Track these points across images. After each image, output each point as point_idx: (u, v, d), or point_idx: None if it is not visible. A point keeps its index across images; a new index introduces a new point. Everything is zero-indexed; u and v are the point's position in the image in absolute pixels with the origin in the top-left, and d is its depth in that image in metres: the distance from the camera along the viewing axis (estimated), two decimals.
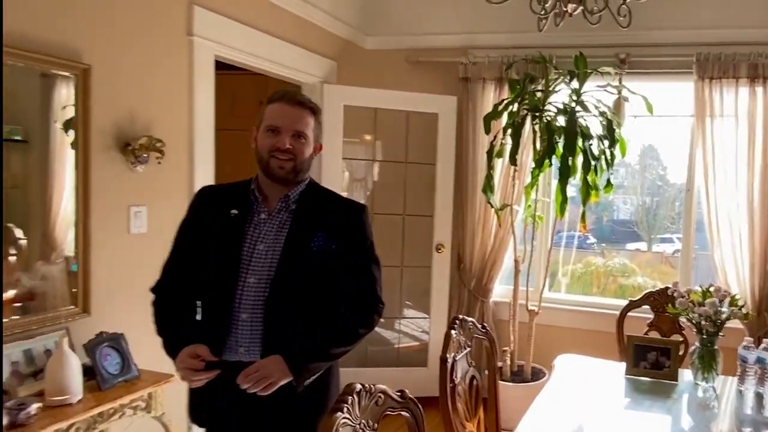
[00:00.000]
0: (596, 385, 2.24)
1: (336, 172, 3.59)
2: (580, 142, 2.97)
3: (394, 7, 3.83)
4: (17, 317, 1.97)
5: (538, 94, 3.28)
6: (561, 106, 3.18)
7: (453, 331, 1.86)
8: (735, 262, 3.25)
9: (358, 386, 1.21)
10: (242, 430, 1.56)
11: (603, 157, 3.03)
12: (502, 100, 3.30)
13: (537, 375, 3.39)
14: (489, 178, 3.27)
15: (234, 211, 1.57)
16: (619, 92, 3.26)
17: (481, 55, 3.63)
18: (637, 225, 4.39)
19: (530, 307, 3.36)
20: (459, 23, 3.72)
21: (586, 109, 3.10)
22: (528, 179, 3.35)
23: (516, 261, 3.41)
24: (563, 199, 3.02)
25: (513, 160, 3.11)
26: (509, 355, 3.39)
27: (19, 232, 2.01)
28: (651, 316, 2.67)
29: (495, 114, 3.21)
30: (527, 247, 3.38)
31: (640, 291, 3.52)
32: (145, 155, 2.34)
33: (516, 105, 3.21)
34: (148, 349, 2.31)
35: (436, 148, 3.63)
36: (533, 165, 3.18)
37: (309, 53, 3.44)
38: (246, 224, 1.56)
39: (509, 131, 3.22)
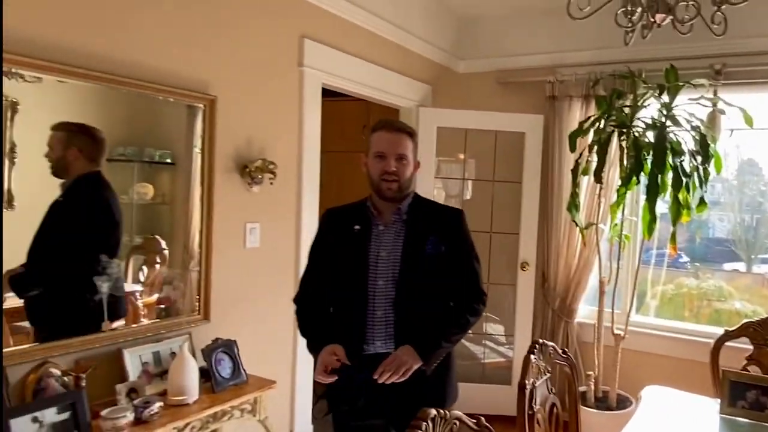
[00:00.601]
0: (687, 423, 2.02)
1: (428, 190, 3.56)
2: (669, 159, 2.73)
3: (483, 30, 3.76)
4: (157, 320, 2.11)
5: (626, 110, 3.08)
6: (649, 122, 2.96)
7: (532, 356, 1.71)
8: None
9: (433, 412, 1.16)
10: (378, 413, 1.68)
11: (696, 173, 2.77)
12: (588, 117, 3.13)
13: (623, 403, 3.13)
14: (574, 196, 3.10)
15: (357, 227, 1.75)
16: (714, 105, 2.98)
17: (568, 73, 3.48)
18: (735, 244, 3.99)
19: (616, 331, 3.13)
20: (546, 43, 3.59)
21: (677, 123, 2.84)
22: (614, 197, 3.14)
23: (601, 282, 3.21)
24: (651, 219, 2.78)
25: (598, 178, 2.92)
26: (593, 380, 3.17)
27: (163, 243, 2.17)
28: (750, 347, 2.35)
29: (580, 131, 3.04)
30: (613, 268, 3.16)
31: (738, 317, 3.18)
32: (259, 176, 2.43)
33: (602, 122, 3.03)
34: (255, 356, 2.41)
35: (523, 167, 3.50)
36: (620, 183, 2.98)
37: (407, 79, 3.44)
38: (368, 236, 1.74)
39: (595, 148, 3.06)
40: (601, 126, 3.02)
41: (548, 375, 1.82)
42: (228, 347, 2.16)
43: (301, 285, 1.88)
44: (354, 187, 4.03)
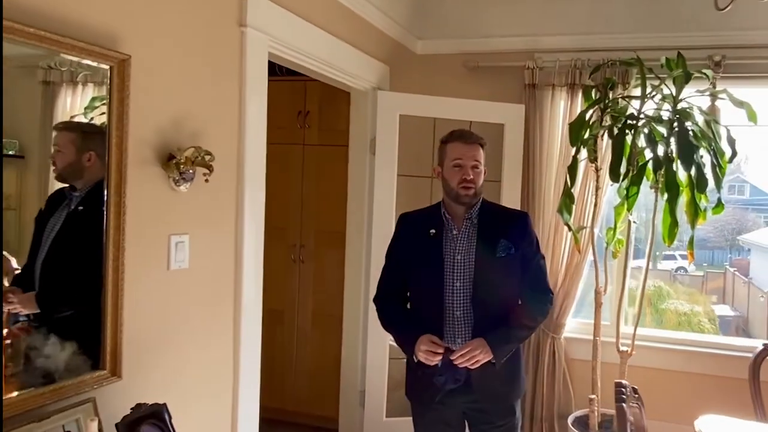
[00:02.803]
0: None
1: (389, 190, 3.11)
2: (697, 155, 2.52)
3: (448, 6, 3.38)
4: (32, 389, 1.42)
5: (621, 101, 2.85)
6: (651, 114, 2.73)
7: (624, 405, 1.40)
8: None
9: None
10: (456, 400, 1.93)
11: (715, 171, 2.57)
12: (588, 107, 2.84)
13: None
14: (568, 197, 2.81)
15: (432, 231, 1.95)
16: (714, 98, 2.81)
17: (550, 60, 3.19)
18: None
19: (622, 348, 2.86)
20: (523, 24, 3.29)
21: (687, 117, 2.63)
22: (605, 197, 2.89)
23: (597, 292, 2.93)
24: (673, 222, 2.57)
25: (616, 176, 2.62)
26: (597, 405, 2.88)
27: (14, 262, 1.45)
28: None
29: (582, 123, 2.74)
30: (616, 276, 2.90)
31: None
32: (190, 171, 1.84)
33: (605, 114, 2.76)
34: (190, 421, 1.82)
35: (502, 164, 3.15)
36: (626, 182, 2.70)
37: (362, 55, 2.96)
38: (443, 240, 1.94)
39: (591, 142, 2.78)
40: (605, 118, 2.78)
41: None
42: (157, 416, 1.55)
43: (381, 285, 2.09)
44: (288, 186, 3.69)
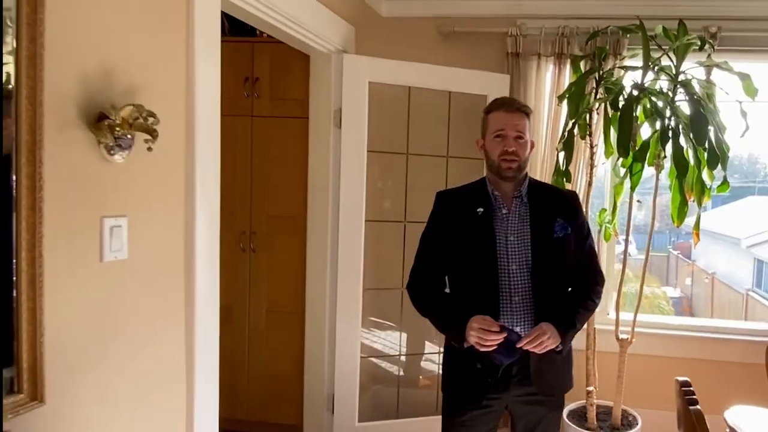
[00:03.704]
0: None
1: (358, 169, 2.82)
2: (711, 132, 2.41)
3: None
4: None
5: (617, 74, 2.72)
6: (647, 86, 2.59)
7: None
8: None
9: None
10: (508, 394, 1.83)
11: (720, 147, 2.46)
12: (583, 76, 2.67)
13: (630, 424, 2.80)
14: (563, 175, 2.64)
15: (480, 209, 1.83)
16: (709, 71, 2.72)
17: (534, 27, 3.00)
18: None
19: (621, 336, 2.74)
20: None
21: (690, 89, 2.51)
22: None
23: None
24: (682, 201, 2.48)
25: (625, 151, 2.45)
26: (594, 397, 2.77)
27: None
28: None
29: (582, 93, 2.57)
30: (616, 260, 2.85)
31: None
32: (128, 136, 1.49)
33: (599, 86, 2.61)
34: None
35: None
36: (629, 158, 2.55)
37: (325, 11, 2.65)
38: (492, 220, 1.82)
39: (585, 117, 2.62)
40: (599, 91, 2.66)
41: None
42: None
43: (417, 270, 1.95)
44: (235, 164, 3.26)
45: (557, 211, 1.85)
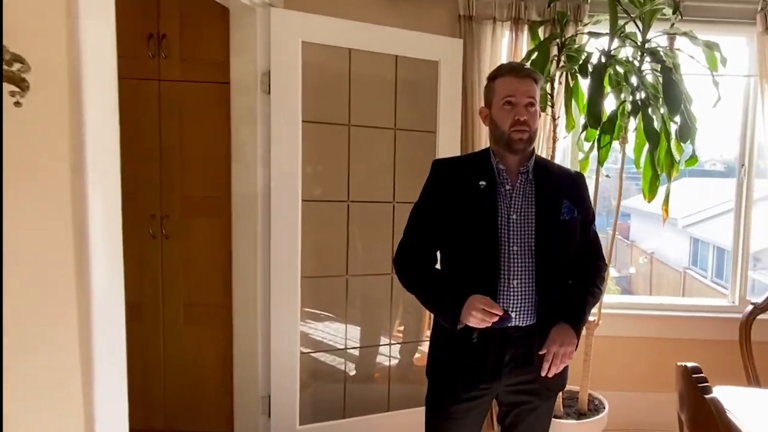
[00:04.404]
0: None
1: (292, 141, 2.50)
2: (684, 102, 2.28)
3: None
4: None
5: (581, 39, 2.56)
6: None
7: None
8: None
9: None
10: (507, 380, 1.72)
11: (692, 119, 2.37)
12: (543, 42, 2.47)
13: (596, 408, 2.73)
14: None
15: (482, 182, 1.69)
16: (672, 40, 2.60)
17: None
18: None
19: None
20: None
21: (660, 58, 2.37)
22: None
23: None
24: (654, 174, 2.37)
25: (596, 120, 2.28)
26: None
27: None
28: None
29: (546, 58, 2.38)
30: None
31: None
32: None
33: (561, 54, 2.43)
34: None
35: (437, 110, 2.68)
36: (594, 131, 2.39)
37: None
38: (495, 195, 1.69)
39: (546, 87, 2.44)
40: (561, 59, 2.47)
41: None
42: None
43: (406, 244, 1.80)
44: (138, 136, 2.73)
45: (564, 192, 1.73)
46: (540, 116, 1.77)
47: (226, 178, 2.63)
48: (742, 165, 3.09)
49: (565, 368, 1.77)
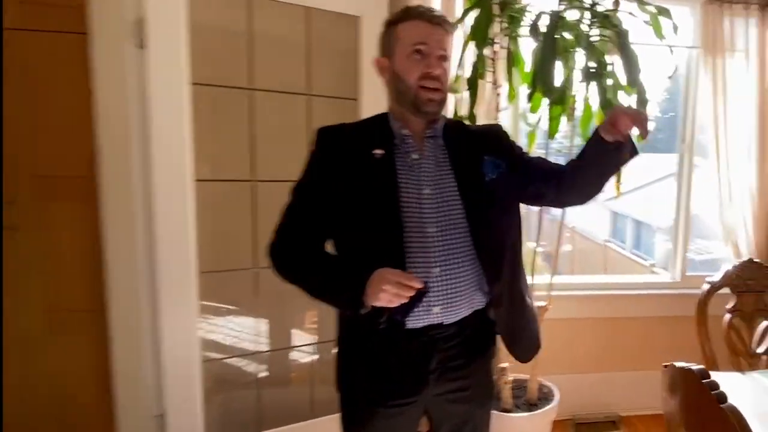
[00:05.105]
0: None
1: (178, 106, 2.00)
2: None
3: None
4: None
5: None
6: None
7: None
8: (744, 221, 2.93)
9: None
10: (434, 389, 1.46)
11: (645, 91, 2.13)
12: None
13: (546, 397, 2.58)
14: (471, 119, 2.15)
15: (378, 152, 1.40)
16: (617, 5, 2.35)
17: None
18: None
19: (537, 303, 2.40)
20: None
21: (614, 22, 2.10)
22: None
23: None
24: None
25: (548, 90, 1.98)
26: (508, 374, 2.48)
27: None
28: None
29: (489, 16, 2.03)
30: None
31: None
32: None
33: (503, 14, 2.11)
34: None
35: (359, 73, 2.26)
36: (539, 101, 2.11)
37: None
38: (395, 166, 1.39)
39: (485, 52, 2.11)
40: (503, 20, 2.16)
41: None
42: None
43: (285, 230, 1.44)
44: None
45: (484, 148, 1.46)
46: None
47: (91, 152, 2.09)
48: (683, 140, 2.98)
49: (537, 333, 1.61)
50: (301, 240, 1.44)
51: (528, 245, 3.37)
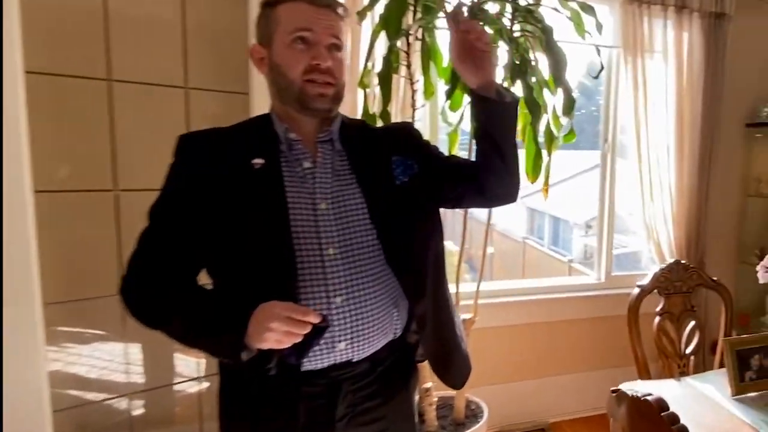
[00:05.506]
0: (712, 426, 1.55)
1: (9, 100, 1.58)
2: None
3: None
4: None
5: None
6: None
7: None
8: (665, 220, 2.89)
9: None
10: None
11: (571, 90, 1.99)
12: None
13: (474, 414, 2.40)
14: (382, 118, 1.92)
15: (258, 161, 1.14)
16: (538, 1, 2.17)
17: None
18: None
19: (463, 316, 2.21)
20: None
21: (538, 17, 1.92)
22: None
23: None
24: (537, 152, 2.02)
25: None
26: (433, 394, 2.26)
27: None
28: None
29: (403, 5, 1.78)
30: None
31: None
32: None
33: (418, 4, 1.87)
34: None
35: (250, 63, 1.92)
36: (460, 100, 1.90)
37: None
38: (282, 177, 1.14)
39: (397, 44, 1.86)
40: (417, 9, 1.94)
41: None
42: None
43: (141, 263, 1.15)
44: None
45: (389, 150, 1.25)
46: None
47: None
48: (606, 140, 2.89)
49: (466, 360, 1.41)
50: (162, 273, 1.15)
51: (452, 249, 3.20)
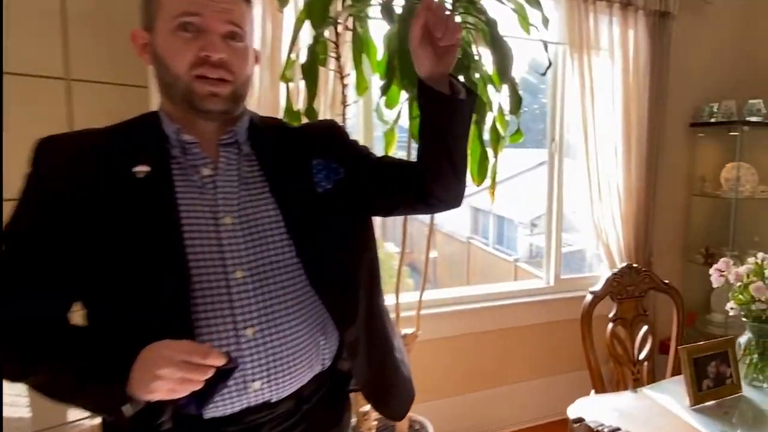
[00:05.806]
0: None
1: None
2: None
3: None
4: None
5: None
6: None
7: None
8: (613, 220, 2.83)
9: None
10: None
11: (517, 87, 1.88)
12: None
13: None
14: (308, 115, 1.74)
15: (141, 169, 0.94)
16: None
17: None
18: None
19: (404, 331, 2.07)
20: None
21: (480, 9, 1.77)
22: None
23: None
24: (483, 153, 1.92)
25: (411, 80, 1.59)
26: (372, 417, 2.06)
27: None
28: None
29: None
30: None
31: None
32: None
33: None
34: None
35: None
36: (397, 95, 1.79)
37: None
38: (173, 189, 0.95)
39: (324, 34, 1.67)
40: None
41: None
42: None
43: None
44: None
45: (312, 151, 1.08)
46: (257, 61, 1.07)
47: None
48: (553, 139, 2.78)
49: (410, 389, 1.25)
50: (22, 309, 0.91)
51: (391, 252, 3.01)
